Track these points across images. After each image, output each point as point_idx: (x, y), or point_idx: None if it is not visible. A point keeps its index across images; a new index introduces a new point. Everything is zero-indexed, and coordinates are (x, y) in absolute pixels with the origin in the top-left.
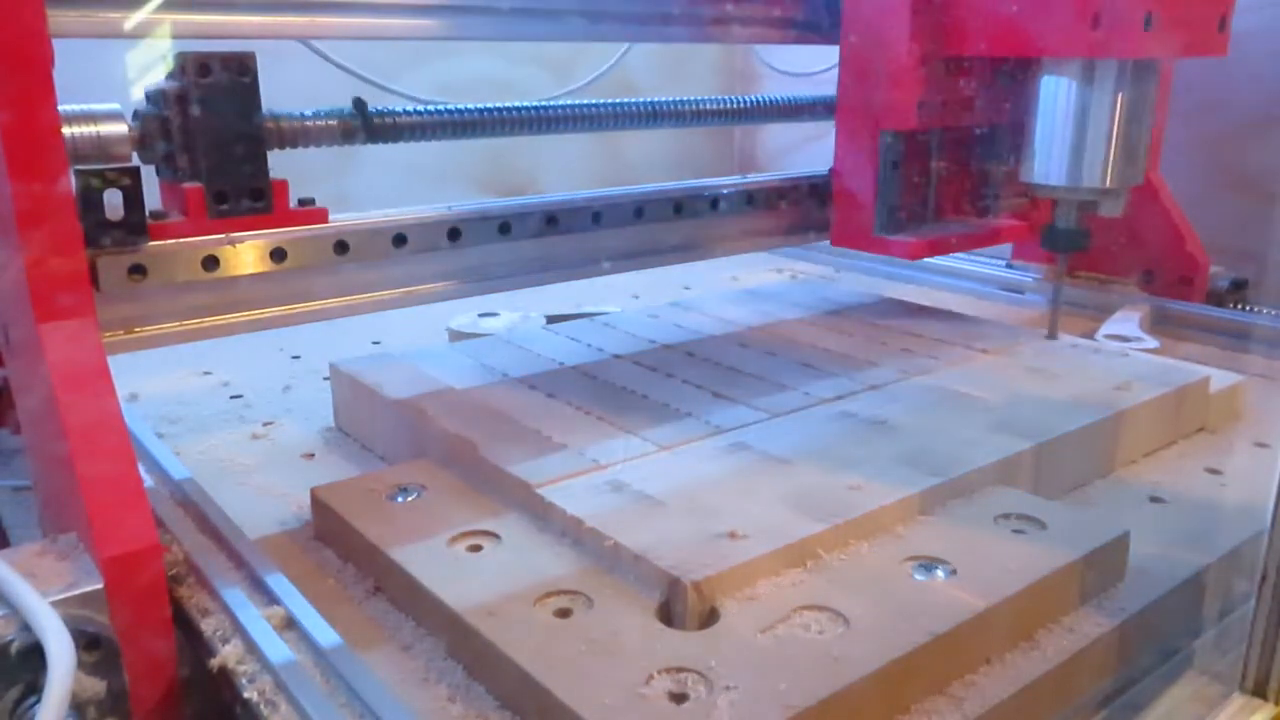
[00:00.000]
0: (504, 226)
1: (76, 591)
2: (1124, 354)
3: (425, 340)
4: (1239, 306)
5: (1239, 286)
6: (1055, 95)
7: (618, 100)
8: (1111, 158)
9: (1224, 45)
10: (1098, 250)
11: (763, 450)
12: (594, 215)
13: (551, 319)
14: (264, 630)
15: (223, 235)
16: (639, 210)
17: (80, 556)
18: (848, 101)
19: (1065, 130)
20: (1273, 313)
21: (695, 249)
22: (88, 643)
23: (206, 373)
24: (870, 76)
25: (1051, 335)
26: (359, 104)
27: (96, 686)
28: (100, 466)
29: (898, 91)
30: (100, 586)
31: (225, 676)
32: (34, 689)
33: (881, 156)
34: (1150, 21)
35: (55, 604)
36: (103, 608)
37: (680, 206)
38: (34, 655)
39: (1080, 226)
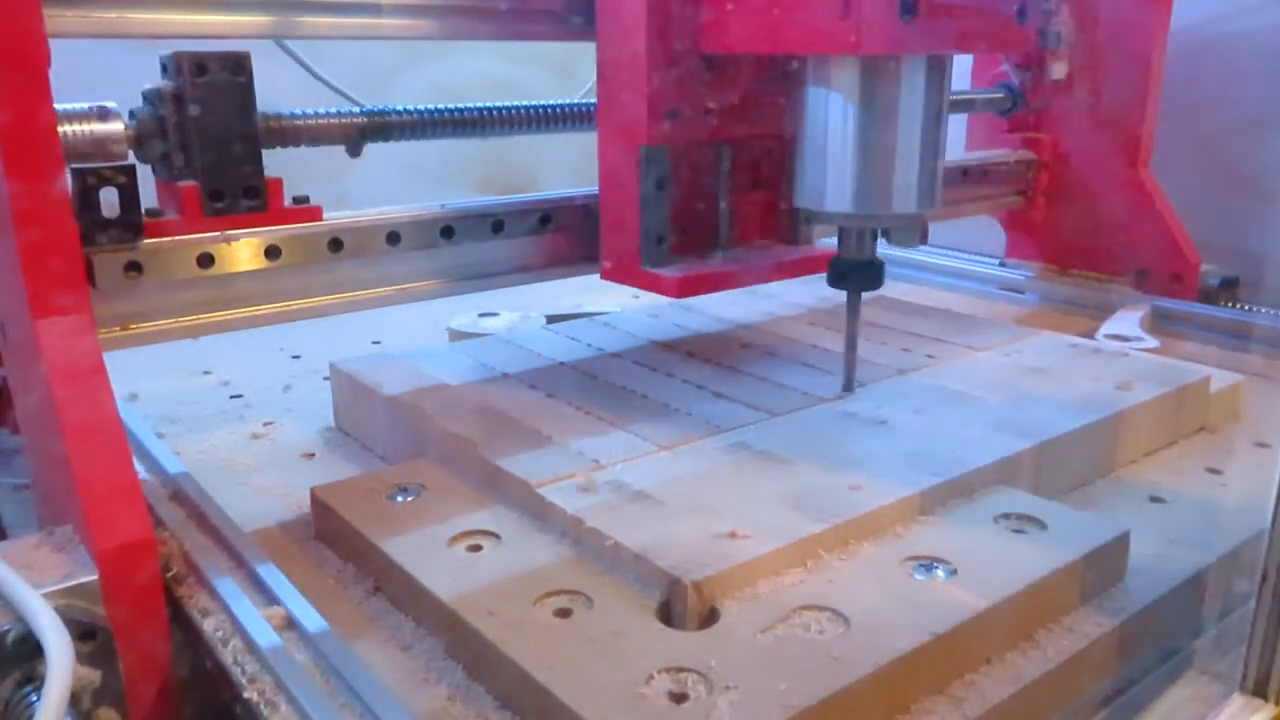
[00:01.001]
0: (497, 225)
1: (72, 583)
2: (1124, 354)
3: (425, 340)
4: (1230, 304)
5: (1230, 284)
6: (825, 105)
7: None
8: (902, 179)
9: (1024, 39)
10: (1089, 248)
11: (763, 450)
12: (587, 213)
13: (551, 319)
14: (264, 630)
15: (218, 233)
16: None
17: (76, 549)
18: (604, 112)
19: (843, 146)
20: (1272, 312)
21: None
22: (83, 633)
23: (206, 372)
24: (619, 81)
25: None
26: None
27: (92, 676)
28: (96, 460)
29: (638, 98)
30: (95, 578)
31: (224, 676)
32: (30, 678)
33: (642, 176)
34: (910, 9)
35: (51, 594)
36: (98, 599)
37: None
38: (29, 644)
39: (872, 259)
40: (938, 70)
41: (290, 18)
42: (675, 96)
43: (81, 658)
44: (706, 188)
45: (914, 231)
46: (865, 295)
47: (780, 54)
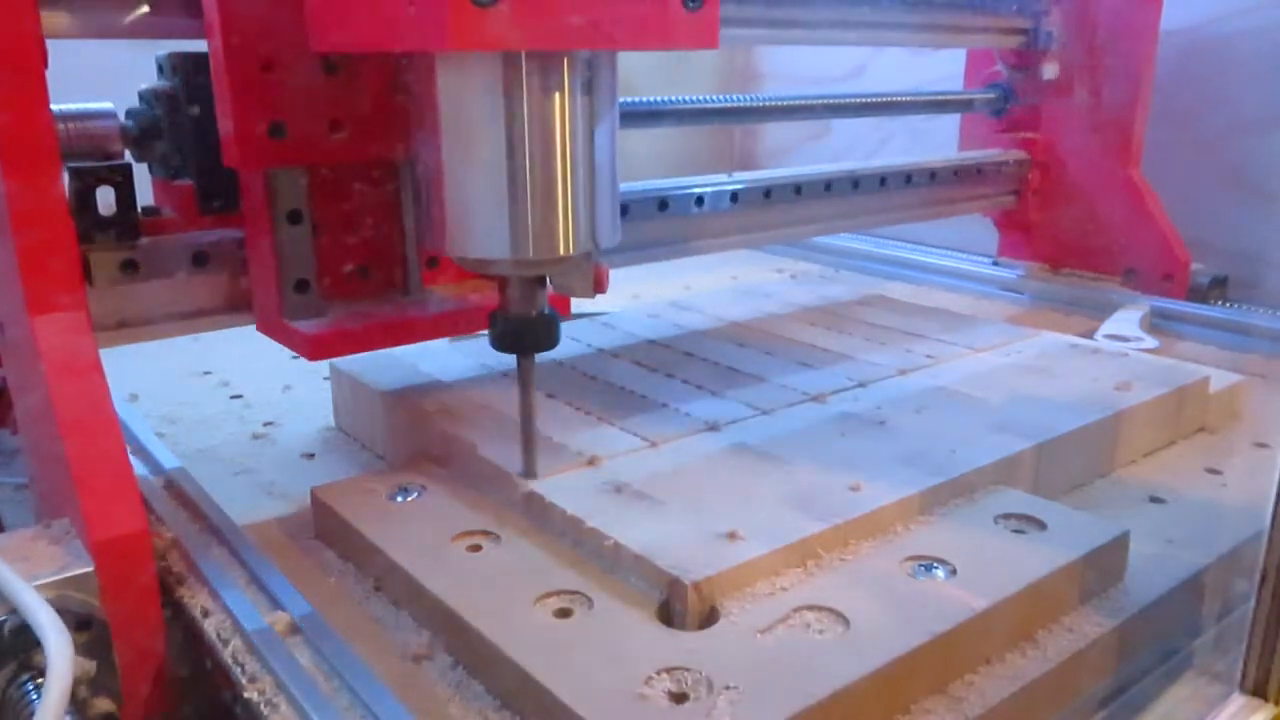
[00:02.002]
0: None
1: (68, 574)
2: (1124, 354)
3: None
4: (1220, 303)
5: (1220, 283)
6: (465, 122)
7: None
8: (564, 214)
9: (711, 35)
10: (1081, 248)
11: (763, 450)
12: None
13: None
14: (264, 630)
15: (214, 231)
16: (624, 209)
17: (72, 541)
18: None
19: (488, 178)
20: (1271, 312)
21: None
22: (79, 624)
23: (206, 373)
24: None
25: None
26: None
27: (87, 666)
28: (91, 454)
29: (224, 109)
30: (91, 569)
31: (224, 676)
32: (27, 667)
33: (274, 208)
34: None
35: (48, 585)
36: (94, 590)
37: (665, 204)
38: (26, 633)
39: (541, 313)
40: (602, 75)
41: None
42: (272, 109)
43: (77, 648)
44: (362, 220)
45: (588, 275)
46: (864, 293)
47: (375, 52)
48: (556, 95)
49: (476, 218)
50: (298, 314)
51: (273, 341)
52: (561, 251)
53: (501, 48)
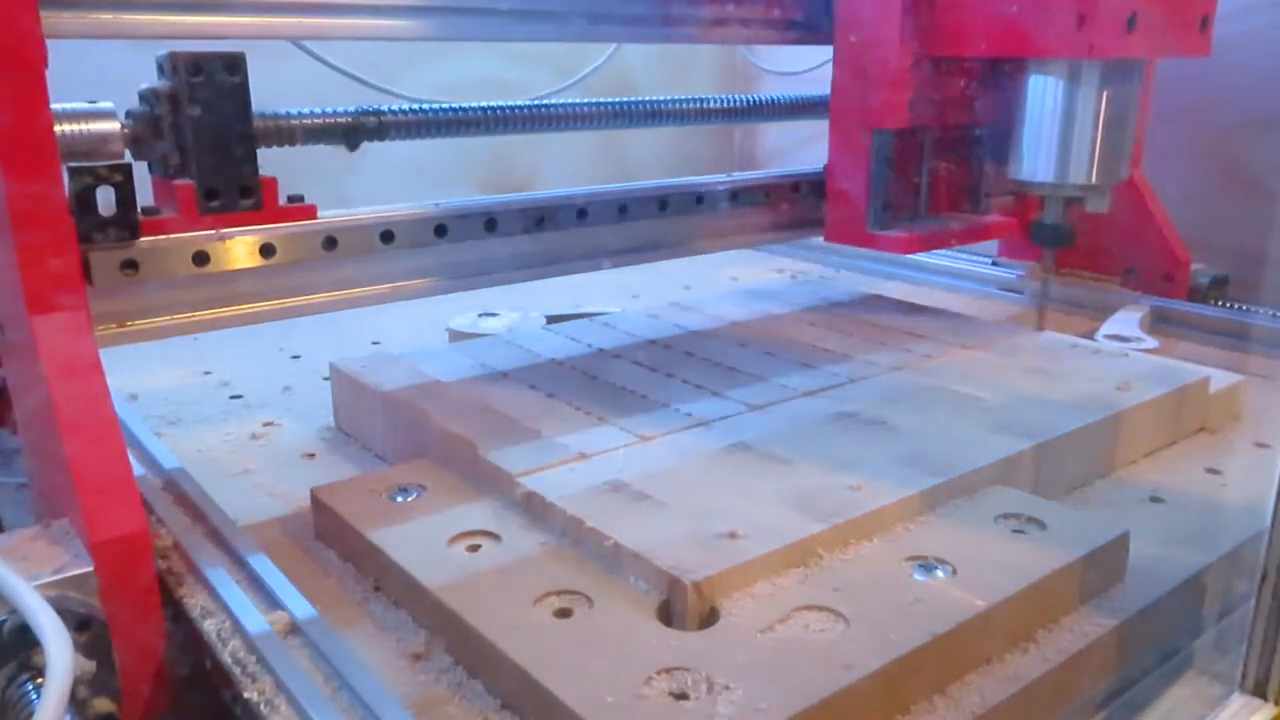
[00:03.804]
0: (490, 223)
1: (68, 574)
2: (1124, 354)
3: (425, 340)
4: (1220, 303)
5: (1220, 283)
6: (1042, 95)
7: (617, 99)
8: (1097, 155)
9: (1206, 45)
10: (1082, 248)
11: (763, 450)
12: (579, 211)
13: (551, 319)
14: (264, 630)
15: (213, 231)
16: (623, 207)
17: (72, 541)
18: (842, 101)
19: (1052, 129)
20: (1272, 312)
21: (686, 244)
22: (78, 624)
23: (206, 373)
24: (864, 76)
25: (1039, 327)
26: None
27: (87, 666)
28: (91, 455)
29: (890, 91)
30: (90, 569)
31: (225, 676)
32: (26, 667)
33: (874, 154)
34: (1134, 22)
35: (47, 585)
36: (93, 590)
37: (665, 203)
38: (26, 633)
39: (1066, 223)
40: (1135, 69)
41: (290, 19)
42: (911, 90)
43: (77, 648)
44: (912, 167)
45: (1105, 198)
46: (870, 297)
47: (1013, 56)
48: (1122, 83)
49: (1038, 156)
50: (883, 227)
51: (273, 341)
52: (1089, 181)
53: (1132, 56)
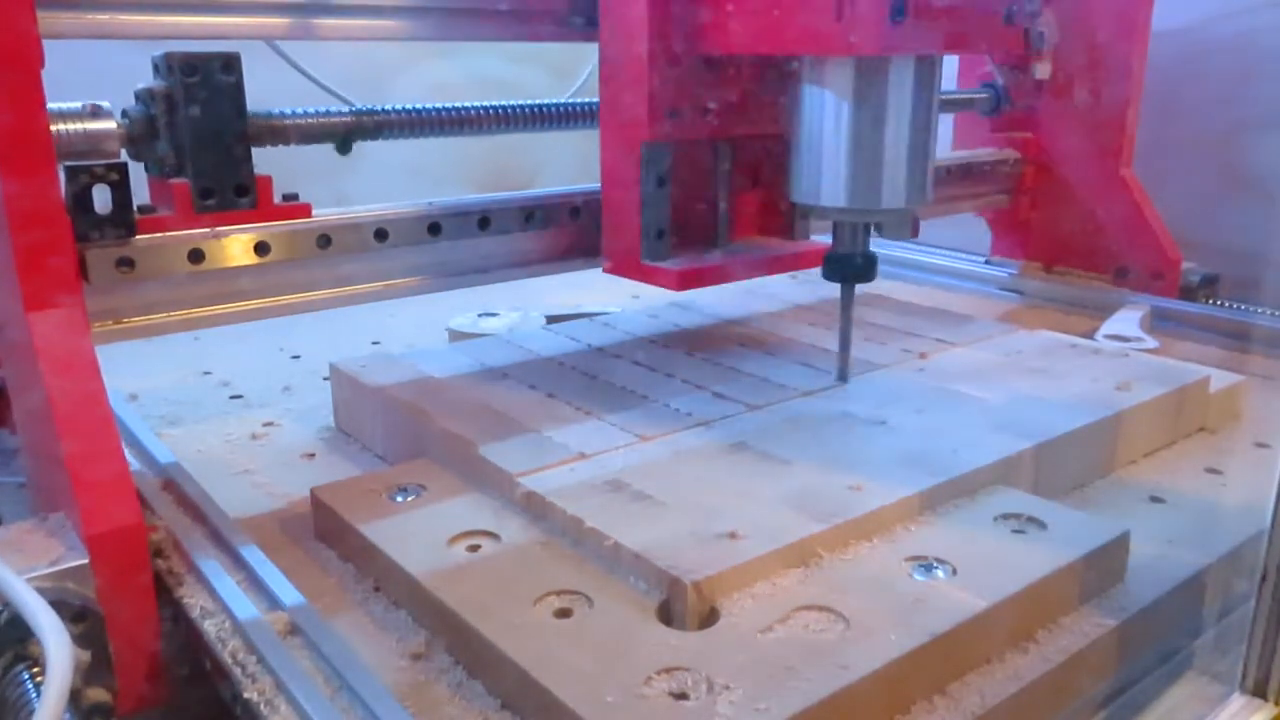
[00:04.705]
0: (483, 221)
1: (63, 566)
2: (1124, 354)
3: (425, 340)
4: (1210, 301)
5: (1210, 282)
6: (818, 103)
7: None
8: (893, 174)
9: (1015, 40)
10: (1074, 246)
11: (763, 450)
12: (573, 210)
13: (551, 319)
14: (264, 630)
15: (208, 229)
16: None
17: (68, 534)
18: (608, 110)
19: (837, 143)
20: (1271, 312)
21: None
22: (74, 615)
23: (206, 373)
24: (620, 79)
25: (841, 378)
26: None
27: (83, 657)
28: (87, 449)
29: (646, 97)
30: (86, 562)
31: (224, 676)
32: (22, 657)
33: (644, 173)
34: (901, 11)
35: (43, 577)
36: (89, 582)
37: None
38: (20, 624)
39: (865, 253)
40: (928, 70)
41: (287, 20)
42: (676, 95)
43: (72, 638)
44: (706, 185)
45: (905, 225)
46: (862, 292)
47: (776, 55)
48: (912, 86)
49: (825, 176)
50: (657, 258)
51: (273, 341)
52: (886, 204)
53: (903, 52)
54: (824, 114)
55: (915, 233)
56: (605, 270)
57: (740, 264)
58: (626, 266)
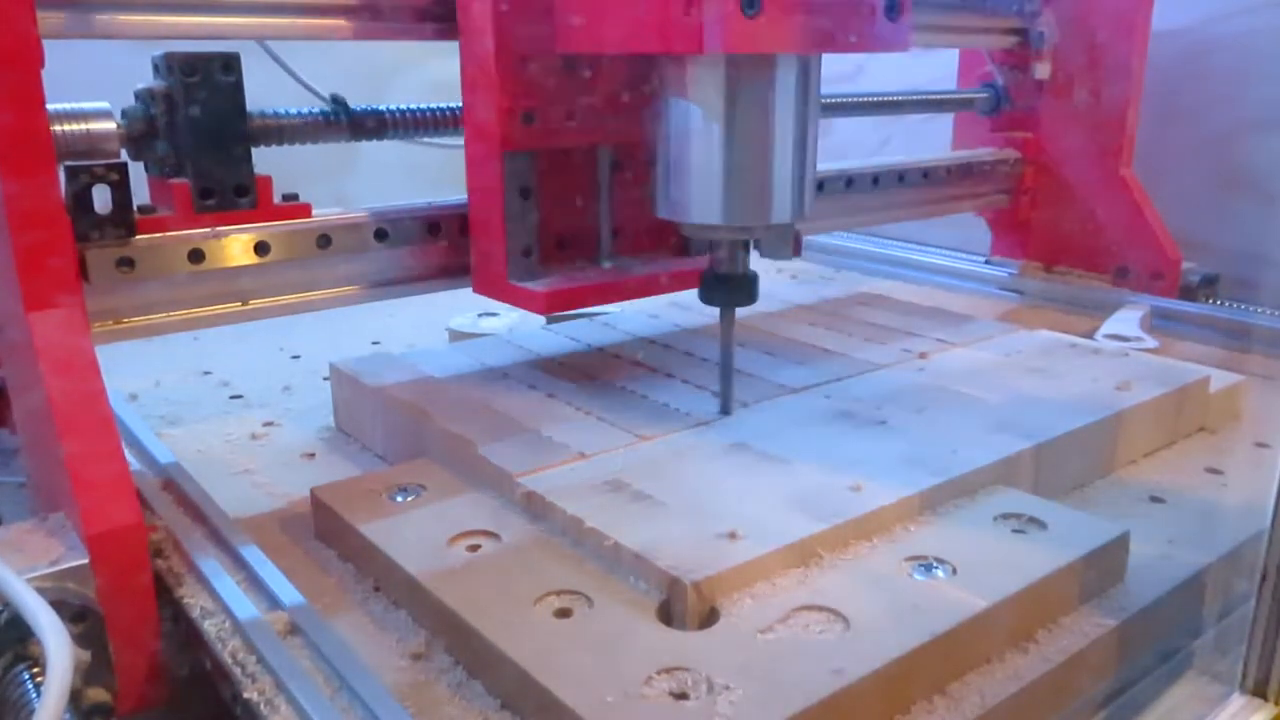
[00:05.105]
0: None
1: (63, 566)
2: (1124, 354)
3: (425, 340)
4: (1210, 301)
5: (1210, 281)
6: (683, 107)
7: None
8: (766, 187)
9: (901, 38)
10: (1073, 246)
11: (762, 450)
12: None
13: (551, 319)
14: (264, 630)
15: (208, 229)
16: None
17: (68, 534)
18: (466, 114)
19: (707, 154)
20: (1272, 312)
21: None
22: (74, 615)
23: (206, 373)
24: (476, 83)
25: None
26: (337, 101)
27: (83, 656)
28: (86, 449)
29: (498, 99)
30: (85, 561)
31: (224, 676)
32: (22, 657)
33: (506, 184)
34: (754, 3)
35: (43, 577)
36: (89, 582)
37: None
38: (20, 623)
39: (744, 273)
40: (801, 72)
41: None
42: (530, 98)
43: (72, 639)
44: (586, 194)
45: (786, 243)
46: (862, 293)
47: (628, 53)
48: (791, 90)
49: (691, 189)
50: (524, 277)
51: (273, 341)
52: (771, 219)
53: (761, 51)
54: (688, 120)
55: (797, 251)
56: (474, 290)
57: (614, 285)
58: (492, 286)
